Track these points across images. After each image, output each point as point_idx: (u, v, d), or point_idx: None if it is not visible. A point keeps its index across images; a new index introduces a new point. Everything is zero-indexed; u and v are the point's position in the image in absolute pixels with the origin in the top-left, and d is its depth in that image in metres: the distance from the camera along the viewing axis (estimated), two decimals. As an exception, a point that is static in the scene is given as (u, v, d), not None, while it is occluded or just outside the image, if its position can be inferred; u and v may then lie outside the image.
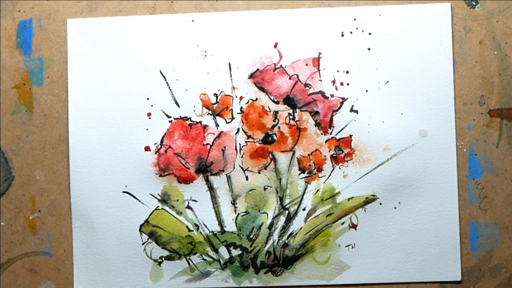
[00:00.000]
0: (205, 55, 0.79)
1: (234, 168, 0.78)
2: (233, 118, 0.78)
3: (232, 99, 0.78)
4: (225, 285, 0.78)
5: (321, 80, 0.78)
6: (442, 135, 0.77)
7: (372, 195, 0.77)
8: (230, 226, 0.78)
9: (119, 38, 0.79)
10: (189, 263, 0.78)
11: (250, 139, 0.78)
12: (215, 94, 0.78)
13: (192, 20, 0.79)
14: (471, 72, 0.78)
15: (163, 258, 0.78)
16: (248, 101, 0.78)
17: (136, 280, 0.78)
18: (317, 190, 0.78)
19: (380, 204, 0.77)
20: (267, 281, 0.78)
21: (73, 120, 0.79)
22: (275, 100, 0.78)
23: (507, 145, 0.77)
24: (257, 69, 0.78)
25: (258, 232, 0.78)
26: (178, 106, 0.79)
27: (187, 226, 0.78)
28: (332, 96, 0.78)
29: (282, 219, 0.78)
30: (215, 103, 0.78)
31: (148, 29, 0.79)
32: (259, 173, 0.78)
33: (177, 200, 0.78)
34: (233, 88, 0.78)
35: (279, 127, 0.78)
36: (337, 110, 0.78)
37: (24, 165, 0.79)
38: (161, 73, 0.79)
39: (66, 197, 0.79)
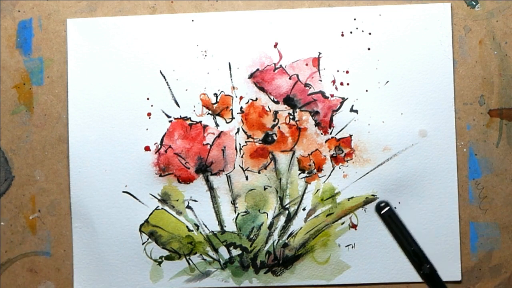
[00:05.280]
0: (205, 55, 0.79)
1: (234, 168, 0.78)
2: (233, 118, 0.78)
3: (232, 99, 0.78)
4: (225, 285, 0.78)
5: (321, 80, 0.78)
6: (442, 135, 0.77)
7: (372, 195, 0.77)
8: (230, 226, 0.78)
9: (119, 38, 0.79)
10: (189, 263, 0.78)
11: (250, 139, 0.78)
12: (215, 94, 0.78)
13: (192, 20, 0.79)
14: (471, 72, 0.78)
15: (163, 258, 0.78)
16: (248, 101, 0.78)
17: (136, 280, 0.78)
18: (317, 190, 0.78)
19: (380, 204, 0.77)
20: (267, 281, 0.78)
21: (73, 120, 0.79)
22: (275, 100, 0.78)
23: (507, 145, 0.77)
24: (257, 69, 0.78)
25: (258, 232, 0.78)
26: (178, 106, 0.79)
27: (187, 226, 0.78)
28: (332, 96, 0.78)
29: (282, 219, 0.78)
30: (215, 103, 0.78)
31: (148, 29, 0.79)
32: (259, 173, 0.78)
33: (177, 200, 0.78)
34: (233, 88, 0.78)
35: (279, 127, 0.78)
36: (337, 110, 0.78)
37: (24, 165, 0.79)
38: (161, 73, 0.79)
39: (66, 197, 0.79)
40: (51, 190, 0.79)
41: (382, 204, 0.60)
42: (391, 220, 0.60)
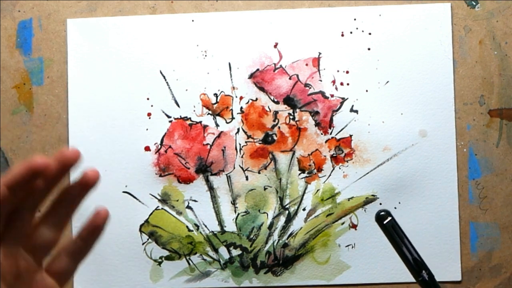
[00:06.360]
0: (205, 55, 0.79)
1: (234, 168, 0.78)
2: (233, 118, 0.78)
3: (232, 99, 0.78)
4: (225, 285, 0.78)
5: (321, 80, 0.78)
6: (442, 135, 0.77)
7: (372, 195, 0.77)
8: (230, 226, 0.78)
9: (119, 38, 0.79)
10: (189, 263, 0.78)
11: (250, 139, 0.78)
12: (215, 94, 0.78)
13: (192, 20, 0.79)
14: (471, 72, 0.78)
15: (163, 258, 0.78)
16: (248, 101, 0.78)
17: (136, 280, 0.78)
18: (317, 190, 0.78)
19: (380, 204, 0.77)
20: (267, 281, 0.78)
21: (73, 120, 0.79)
22: (275, 100, 0.78)
23: (507, 145, 0.77)
24: (257, 69, 0.78)
25: (258, 232, 0.78)
26: (178, 106, 0.79)
27: (187, 226, 0.78)
28: (332, 96, 0.78)
29: (282, 219, 0.78)
30: (215, 103, 0.78)
31: (148, 29, 0.79)
32: (259, 173, 0.78)
33: (177, 200, 0.78)
34: (233, 88, 0.78)
35: (279, 127, 0.78)
36: (337, 110, 0.78)
37: (24, 165, 0.79)
38: (161, 73, 0.79)
39: (66, 197, 0.79)
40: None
41: (383, 213, 0.61)
42: (393, 230, 0.61)
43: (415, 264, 0.61)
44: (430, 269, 0.62)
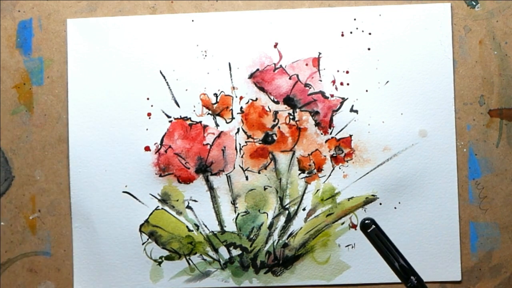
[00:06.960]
0: (205, 55, 0.79)
1: (234, 168, 0.78)
2: (233, 118, 0.78)
3: (232, 99, 0.78)
4: (225, 285, 0.78)
5: (321, 80, 0.78)
6: (442, 135, 0.77)
7: (372, 195, 0.77)
8: (230, 226, 0.78)
9: (119, 38, 0.79)
10: (189, 263, 0.78)
11: (250, 139, 0.78)
12: (215, 94, 0.78)
13: (192, 20, 0.79)
14: (471, 72, 0.78)
15: (163, 258, 0.78)
16: (248, 101, 0.78)
17: (136, 280, 0.78)
18: (317, 190, 0.78)
19: (380, 204, 0.77)
20: (267, 281, 0.78)
21: (73, 120, 0.79)
22: (275, 100, 0.78)
23: (507, 145, 0.77)
24: (257, 69, 0.78)
25: (258, 232, 0.78)
26: (178, 106, 0.79)
27: (187, 226, 0.78)
28: (332, 96, 0.78)
29: (282, 219, 0.78)
30: (215, 103, 0.78)
31: (148, 29, 0.79)
32: (259, 173, 0.78)
33: (177, 200, 0.78)
34: (233, 88, 0.78)
35: (279, 127, 0.78)
36: (337, 110, 0.78)
37: (24, 165, 0.79)
38: (161, 73, 0.79)
39: (66, 197, 0.79)
40: (51, 190, 0.79)
41: (367, 222, 0.61)
42: (377, 238, 0.61)
43: (402, 270, 0.61)
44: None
